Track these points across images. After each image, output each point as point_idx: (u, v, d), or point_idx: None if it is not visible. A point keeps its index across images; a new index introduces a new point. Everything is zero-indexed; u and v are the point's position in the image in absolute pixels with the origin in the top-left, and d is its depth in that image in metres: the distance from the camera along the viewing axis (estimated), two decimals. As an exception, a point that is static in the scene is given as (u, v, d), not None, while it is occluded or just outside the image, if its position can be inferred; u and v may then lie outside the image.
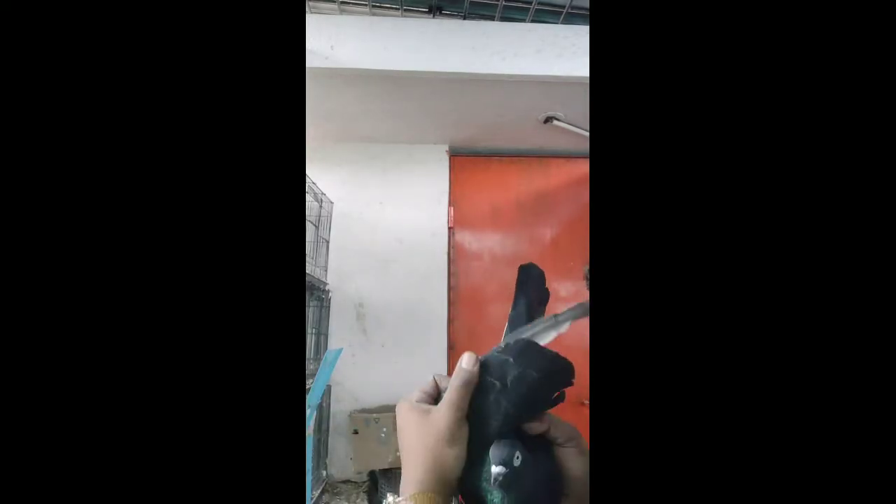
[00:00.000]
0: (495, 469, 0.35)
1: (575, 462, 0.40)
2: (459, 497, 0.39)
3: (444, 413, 0.37)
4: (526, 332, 0.44)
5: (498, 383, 0.38)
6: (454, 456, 0.37)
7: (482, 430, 0.38)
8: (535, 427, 0.39)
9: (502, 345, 0.43)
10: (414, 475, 0.37)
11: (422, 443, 0.37)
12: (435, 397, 0.41)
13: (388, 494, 0.40)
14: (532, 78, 1.67)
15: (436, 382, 0.42)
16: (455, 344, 2.16)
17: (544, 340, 0.43)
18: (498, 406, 0.38)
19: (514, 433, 0.39)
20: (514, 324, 0.46)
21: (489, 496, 0.37)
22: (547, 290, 0.49)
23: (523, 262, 0.48)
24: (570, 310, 0.44)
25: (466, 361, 0.39)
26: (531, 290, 0.48)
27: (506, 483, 0.35)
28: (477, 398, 0.38)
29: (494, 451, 0.36)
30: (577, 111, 1.93)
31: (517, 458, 0.36)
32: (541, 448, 0.40)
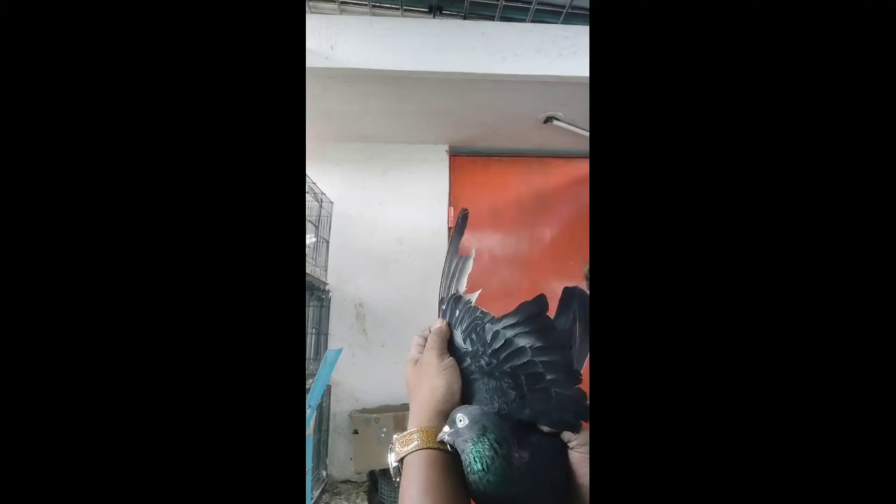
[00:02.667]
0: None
1: (585, 468, 0.39)
2: None
3: (426, 355, 0.48)
4: (451, 282, 0.52)
5: (481, 348, 0.45)
6: (442, 385, 0.45)
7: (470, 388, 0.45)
8: (567, 436, 0.42)
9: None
10: (414, 414, 0.45)
11: (418, 384, 0.46)
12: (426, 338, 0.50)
13: (395, 436, 0.45)
14: (532, 78, 1.67)
15: (429, 331, 0.51)
16: (455, 343, 2.16)
17: (464, 279, 0.52)
18: (480, 366, 0.44)
19: (517, 422, 0.40)
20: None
21: (467, 457, 0.39)
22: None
23: (568, 285, 0.53)
24: (450, 248, 0.54)
25: (438, 322, 0.51)
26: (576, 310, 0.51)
27: (454, 437, 0.40)
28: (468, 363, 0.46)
29: (457, 409, 0.41)
30: (577, 111, 1.93)
31: (460, 420, 0.40)
32: (550, 448, 0.40)
